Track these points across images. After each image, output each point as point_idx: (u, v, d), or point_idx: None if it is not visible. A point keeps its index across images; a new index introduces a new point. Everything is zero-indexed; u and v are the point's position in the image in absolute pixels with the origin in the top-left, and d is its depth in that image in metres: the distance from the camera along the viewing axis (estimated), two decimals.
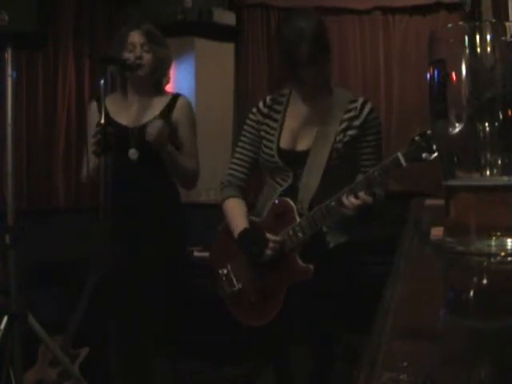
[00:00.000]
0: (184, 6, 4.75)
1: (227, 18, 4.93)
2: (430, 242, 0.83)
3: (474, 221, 0.74)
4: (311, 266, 2.04)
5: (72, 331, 3.02)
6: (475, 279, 0.69)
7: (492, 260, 0.71)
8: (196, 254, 3.75)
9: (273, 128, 2.19)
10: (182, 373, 2.99)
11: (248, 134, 2.25)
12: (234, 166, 2.29)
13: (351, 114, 2.11)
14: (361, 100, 2.15)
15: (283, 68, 2.09)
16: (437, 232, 0.83)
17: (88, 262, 2.60)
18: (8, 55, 2.50)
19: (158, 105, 2.60)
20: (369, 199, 1.91)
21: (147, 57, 2.54)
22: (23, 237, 2.54)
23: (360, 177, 1.98)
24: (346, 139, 2.09)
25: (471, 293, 0.63)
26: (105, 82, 2.33)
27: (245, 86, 5.05)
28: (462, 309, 0.58)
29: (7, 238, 2.48)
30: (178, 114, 2.57)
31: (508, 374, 0.40)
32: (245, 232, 2.15)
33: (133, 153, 2.50)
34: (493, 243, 0.71)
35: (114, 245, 2.33)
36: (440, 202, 0.83)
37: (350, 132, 2.10)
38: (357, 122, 2.10)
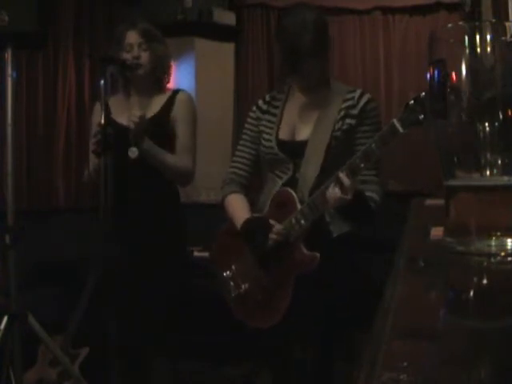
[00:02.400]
0: (184, 5, 4.74)
1: (227, 18, 4.93)
2: (430, 242, 0.83)
3: (474, 221, 0.74)
4: (317, 254, 2.01)
5: (72, 331, 3.02)
6: (475, 279, 0.69)
7: (492, 260, 0.71)
8: (196, 253, 3.75)
9: (272, 122, 2.20)
10: (182, 373, 2.99)
11: (249, 132, 2.26)
12: (236, 164, 2.28)
13: (349, 102, 2.11)
14: (359, 91, 2.15)
15: (285, 61, 2.08)
16: (437, 232, 0.83)
17: (88, 262, 2.60)
18: (8, 55, 2.50)
19: (158, 103, 2.60)
20: (343, 199, 1.88)
21: (145, 55, 2.54)
22: (23, 237, 2.54)
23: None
24: (344, 127, 2.09)
25: (471, 293, 0.63)
26: (105, 82, 2.33)
27: (245, 85, 5.05)
28: (462, 309, 0.58)
29: (7, 238, 2.48)
30: (176, 108, 2.58)
31: (508, 373, 0.40)
32: (247, 221, 2.13)
33: (132, 151, 2.50)
34: (493, 243, 0.71)
35: (114, 245, 2.32)
36: (440, 201, 0.83)
37: (348, 120, 2.09)
38: (354, 111, 2.10)
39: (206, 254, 3.81)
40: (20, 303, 2.50)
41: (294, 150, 2.13)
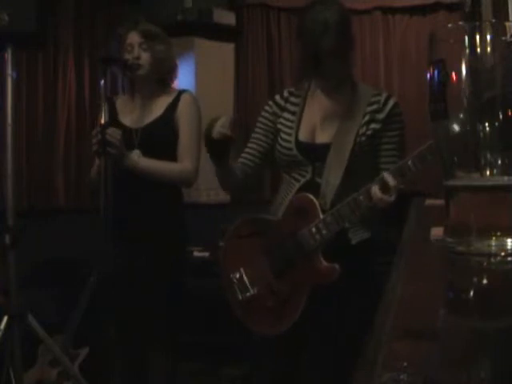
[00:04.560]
0: (184, 6, 4.74)
1: (227, 18, 4.93)
2: (430, 242, 0.83)
3: (474, 221, 0.74)
4: (337, 266, 1.90)
5: (72, 331, 3.03)
6: (475, 279, 0.69)
7: (492, 260, 0.71)
8: (196, 253, 3.75)
9: (290, 120, 2.10)
10: (182, 373, 2.99)
11: (262, 125, 2.16)
12: (245, 155, 2.18)
13: (374, 106, 2.02)
14: (385, 94, 2.07)
15: (307, 61, 2.00)
16: (437, 232, 0.83)
17: (88, 262, 2.60)
18: (8, 55, 2.51)
19: (162, 104, 2.59)
20: (390, 199, 1.81)
21: (145, 56, 2.54)
22: (23, 237, 2.54)
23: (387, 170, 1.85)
24: (369, 132, 2.00)
25: (471, 293, 0.63)
26: (105, 82, 2.33)
27: (245, 85, 5.05)
28: (462, 309, 0.58)
29: (7, 238, 2.49)
30: (180, 109, 2.57)
31: (508, 373, 0.40)
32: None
33: (136, 154, 2.50)
34: (493, 243, 0.71)
35: (114, 245, 2.32)
36: (440, 201, 0.83)
37: (373, 125, 2.01)
38: (380, 116, 2.01)
39: (206, 254, 3.82)
40: (20, 303, 2.50)
41: (315, 153, 2.04)
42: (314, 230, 1.94)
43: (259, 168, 2.22)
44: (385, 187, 1.81)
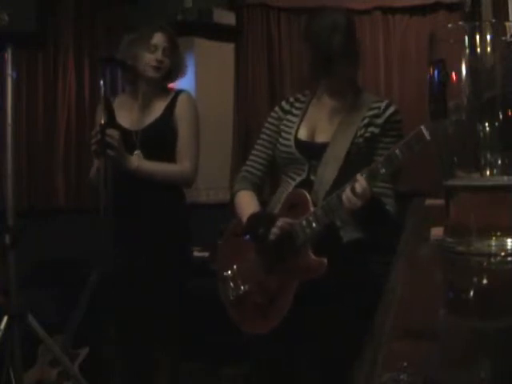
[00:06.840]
0: (184, 5, 4.75)
1: (227, 17, 4.93)
2: (430, 242, 0.83)
3: (474, 221, 0.74)
4: (324, 260, 1.92)
5: (72, 331, 3.03)
6: (475, 279, 0.69)
7: (492, 260, 0.71)
8: (196, 253, 3.74)
9: (292, 122, 2.16)
10: (182, 373, 2.99)
11: (267, 131, 2.21)
12: (251, 163, 2.23)
13: (374, 111, 2.06)
14: (386, 101, 2.11)
15: (316, 64, 2.03)
16: (437, 232, 0.83)
17: (88, 262, 2.60)
18: (8, 55, 2.51)
19: (161, 106, 2.60)
20: (357, 202, 1.80)
21: (167, 62, 2.56)
22: (23, 237, 2.54)
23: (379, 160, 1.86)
24: (367, 135, 2.04)
25: (471, 293, 0.63)
26: (105, 83, 2.33)
27: (245, 86, 5.05)
28: (462, 309, 0.58)
29: (7, 238, 2.49)
30: (178, 109, 2.58)
31: (508, 373, 0.40)
32: (252, 215, 2.07)
33: (137, 155, 2.51)
34: (493, 243, 0.71)
35: (114, 245, 2.32)
36: (440, 201, 0.83)
37: (372, 129, 2.05)
38: (379, 120, 2.05)
39: (205, 254, 3.82)
40: (20, 303, 2.50)
41: (312, 152, 2.07)
42: (304, 223, 1.96)
43: (266, 175, 2.25)
44: (373, 174, 1.82)
